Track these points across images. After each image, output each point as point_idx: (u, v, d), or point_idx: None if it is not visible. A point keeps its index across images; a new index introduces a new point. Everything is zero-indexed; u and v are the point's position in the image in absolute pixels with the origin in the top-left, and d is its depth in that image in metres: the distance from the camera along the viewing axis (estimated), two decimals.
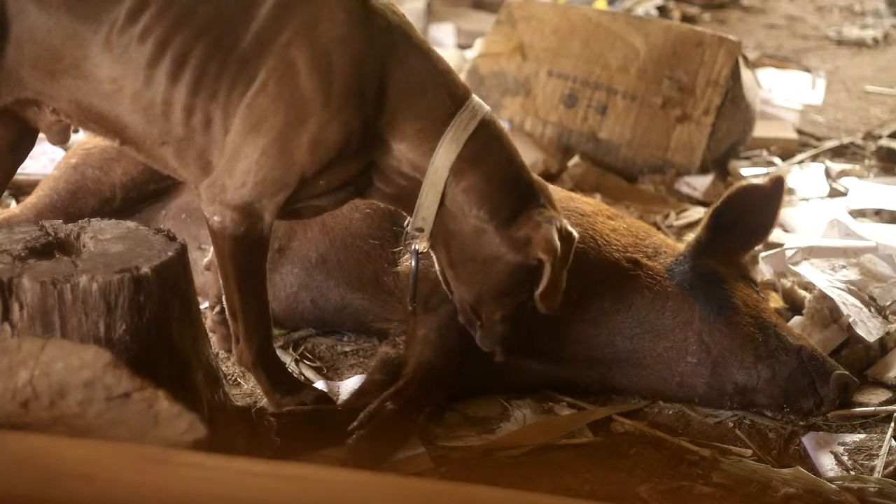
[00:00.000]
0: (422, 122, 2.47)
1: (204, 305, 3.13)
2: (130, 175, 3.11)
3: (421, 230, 2.52)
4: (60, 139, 2.64)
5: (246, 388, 2.86)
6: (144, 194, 3.15)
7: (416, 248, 2.59)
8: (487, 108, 2.53)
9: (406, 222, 2.59)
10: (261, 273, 2.57)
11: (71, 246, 2.20)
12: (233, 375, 2.90)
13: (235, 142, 2.45)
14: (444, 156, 2.45)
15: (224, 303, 2.60)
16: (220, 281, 2.58)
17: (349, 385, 2.84)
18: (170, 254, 2.13)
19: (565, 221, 2.50)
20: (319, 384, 2.84)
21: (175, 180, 3.16)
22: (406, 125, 2.47)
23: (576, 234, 2.52)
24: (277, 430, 2.39)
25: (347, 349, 3.07)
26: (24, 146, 2.73)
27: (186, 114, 2.46)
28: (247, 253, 2.52)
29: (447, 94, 2.49)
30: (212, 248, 3.09)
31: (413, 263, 2.64)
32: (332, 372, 2.95)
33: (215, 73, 2.44)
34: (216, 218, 2.49)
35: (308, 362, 2.99)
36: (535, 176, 2.56)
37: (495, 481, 2.41)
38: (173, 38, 2.44)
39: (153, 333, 2.09)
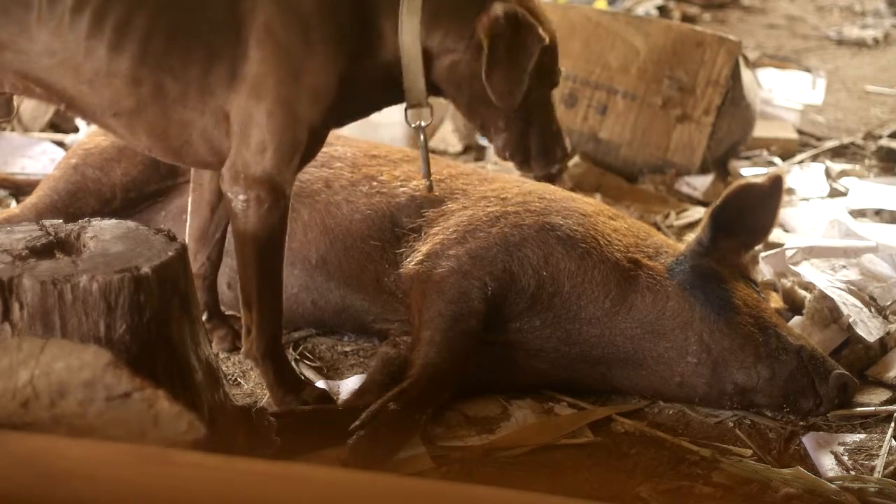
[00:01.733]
0: (380, 22, 2.55)
1: None
2: (130, 175, 3.11)
3: (418, 104, 2.60)
4: (4, 112, 2.66)
5: (246, 388, 2.86)
6: (145, 195, 3.15)
7: (420, 123, 2.64)
8: None
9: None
10: (280, 259, 2.61)
11: (71, 246, 2.20)
12: (233, 375, 2.90)
13: (241, 117, 2.48)
14: (409, 31, 2.54)
15: (238, 292, 2.63)
16: (238, 269, 2.61)
17: (349, 385, 2.84)
18: (170, 254, 2.13)
19: (524, 13, 2.57)
20: (319, 384, 2.84)
21: (175, 181, 3.17)
22: (375, 24, 2.55)
23: (541, 31, 2.59)
24: (277, 430, 2.39)
25: (348, 349, 3.07)
26: None
27: (134, 84, 2.47)
28: (270, 234, 2.55)
29: None
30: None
31: (420, 138, 2.68)
32: (332, 372, 2.95)
33: (165, 44, 2.45)
34: (241, 196, 2.52)
35: (308, 362, 2.99)
36: None
37: (495, 481, 2.41)
38: (111, 9, 2.44)
39: (153, 333, 2.09)
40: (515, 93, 2.58)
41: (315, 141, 2.58)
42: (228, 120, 2.52)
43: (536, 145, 2.70)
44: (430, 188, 2.76)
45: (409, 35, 2.55)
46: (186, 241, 2.78)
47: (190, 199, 2.86)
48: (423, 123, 2.63)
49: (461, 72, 2.60)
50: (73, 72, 2.48)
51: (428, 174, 2.73)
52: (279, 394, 2.64)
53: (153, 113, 2.51)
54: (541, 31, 2.59)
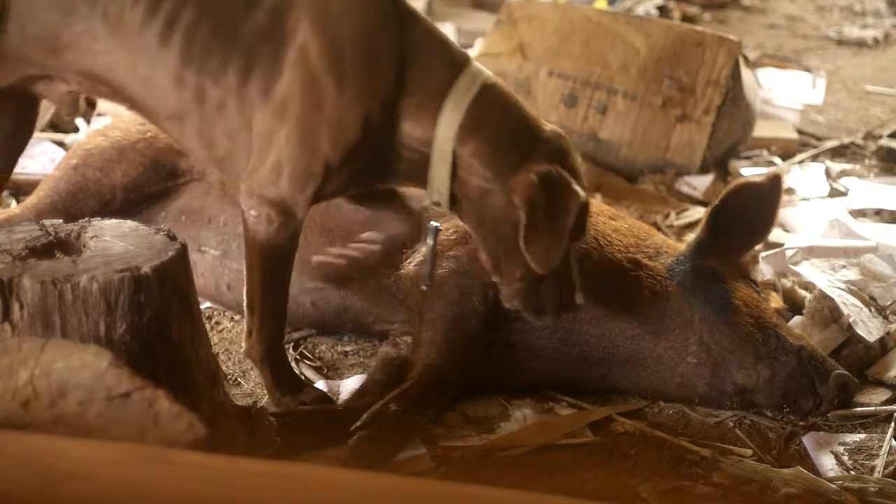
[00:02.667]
0: (420, 96, 2.46)
1: (204, 305, 3.13)
2: (131, 176, 3.11)
3: (438, 204, 2.51)
4: (71, 110, 2.64)
5: (246, 388, 2.86)
6: (145, 195, 3.15)
7: (433, 223, 2.58)
8: (488, 73, 2.51)
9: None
10: (287, 272, 2.60)
11: (71, 245, 2.20)
12: (233, 375, 2.90)
13: (263, 134, 2.46)
14: (447, 126, 2.43)
15: (243, 294, 2.62)
16: (245, 272, 2.59)
17: (349, 385, 2.84)
18: (170, 254, 2.13)
19: (560, 171, 2.41)
20: (319, 384, 2.84)
21: (176, 182, 3.17)
22: (407, 100, 2.46)
23: (577, 189, 2.41)
24: (277, 430, 2.39)
25: (348, 349, 3.07)
26: (23, 134, 2.74)
27: (178, 86, 2.45)
28: (277, 251, 2.54)
29: (445, 64, 2.48)
30: (212, 250, 3.09)
31: (430, 240, 2.62)
32: (332, 372, 2.95)
33: (205, 43, 2.42)
34: (253, 212, 2.50)
35: (308, 362, 2.99)
36: (547, 128, 2.51)
37: (495, 481, 2.41)
38: (161, 7, 2.42)
39: (153, 333, 2.09)
40: (555, 255, 2.41)
41: (331, 178, 2.48)
42: None
43: (550, 296, 2.51)
44: (427, 294, 2.65)
45: (445, 129, 2.42)
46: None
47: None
48: (437, 225, 2.52)
49: (489, 204, 2.45)
50: (130, 70, 2.47)
51: (431, 275, 2.63)
52: (276, 395, 2.64)
53: (198, 119, 2.49)
54: (577, 188, 2.43)
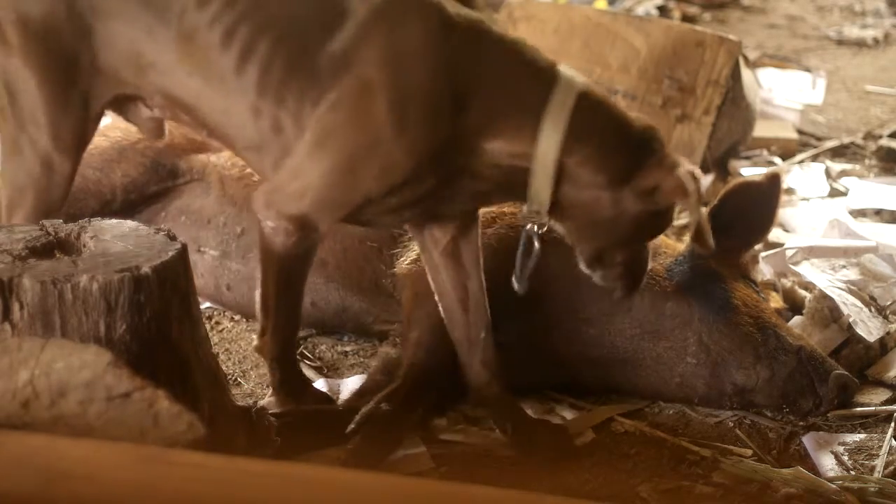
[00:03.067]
0: (515, 117, 2.41)
1: (204, 306, 3.13)
2: (131, 177, 3.11)
3: (537, 213, 2.47)
4: (156, 135, 2.62)
5: (246, 388, 2.86)
6: (145, 196, 3.15)
7: (535, 230, 2.52)
8: (581, 78, 2.48)
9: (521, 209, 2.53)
10: (302, 278, 2.56)
11: (71, 245, 2.20)
12: (233, 375, 2.90)
13: (301, 155, 2.39)
14: (550, 140, 2.39)
15: (256, 295, 2.59)
16: (260, 276, 2.56)
17: (350, 384, 2.84)
18: (170, 254, 2.13)
19: (684, 160, 2.47)
20: (320, 383, 2.84)
21: (175, 183, 3.17)
22: (498, 124, 2.40)
23: (697, 171, 2.46)
24: (277, 430, 2.39)
25: (348, 349, 3.07)
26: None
27: (255, 116, 2.41)
28: (293, 261, 2.50)
29: (535, 80, 2.43)
30: (211, 250, 3.09)
31: (522, 244, 2.53)
32: (332, 371, 2.95)
33: (282, 75, 2.37)
34: (269, 223, 2.45)
35: (308, 362, 2.99)
36: (640, 120, 2.51)
37: (495, 481, 2.41)
38: (239, 32, 2.37)
39: (153, 333, 2.09)
40: (711, 236, 2.48)
41: (370, 207, 2.46)
42: None
43: (638, 273, 2.58)
44: (521, 290, 2.58)
45: (548, 143, 2.38)
46: (459, 356, 2.66)
47: (442, 312, 2.67)
48: (537, 229, 2.51)
49: (599, 206, 2.44)
50: (209, 98, 2.43)
51: (523, 278, 2.57)
52: (281, 395, 2.63)
53: (277, 150, 2.43)
54: (693, 168, 2.47)
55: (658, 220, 2.50)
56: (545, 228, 2.50)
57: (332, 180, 2.39)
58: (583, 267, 2.56)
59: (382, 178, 2.39)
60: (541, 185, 2.42)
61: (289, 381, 2.64)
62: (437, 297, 2.65)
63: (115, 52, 2.45)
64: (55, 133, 2.47)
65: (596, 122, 2.44)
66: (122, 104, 2.56)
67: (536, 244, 2.52)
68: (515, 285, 2.57)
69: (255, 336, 2.66)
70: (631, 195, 2.42)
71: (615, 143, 2.44)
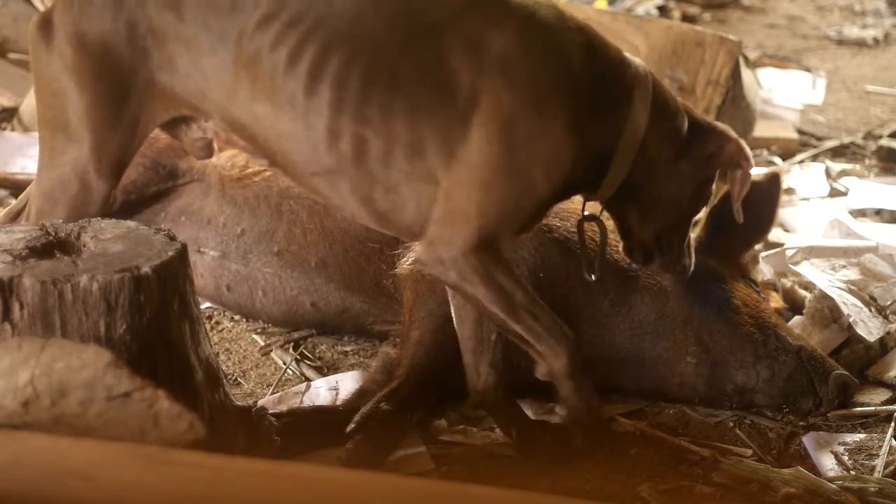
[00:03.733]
0: (608, 99, 2.44)
1: (204, 306, 3.13)
2: (131, 177, 3.11)
3: (602, 196, 2.53)
4: (204, 154, 2.56)
5: (246, 388, 2.86)
6: (145, 197, 3.15)
7: (594, 213, 2.60)
8: (637, 59, 2.53)
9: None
10: (524, 288, 2.43)
11: (71, 245, 2.20)
12: (233, 375, 2.91)
13: (452, 194, 2.33)
14: (639, 118, 2.45)
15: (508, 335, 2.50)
16: (494, 324, 2.49)
17: (347, 378, 2.84)
18: (170, 253, 2.13)
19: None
20: (319, 383, 2.84)
21: (175, 183, 3.17)
22: (596, 111, 2.42)
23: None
24: (277, 430, 2.39)
25: (348, 349, 3.07)
26: None
27: (332, 138, 2.32)
28: (499, 286, 2.39)
29: (616, 61, 2.47)
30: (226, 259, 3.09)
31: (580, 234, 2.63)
32: (332, 371, 2.95)
33: (362, 92, 2.29)
34: (452, 273, 2.37)
35: (308, 362, 2.99)
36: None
37: (495, 481, 2.41)
38: (306, 52, 2.30)
39: (153, 333, 2.09)
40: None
41: (539, 213, 2.45)
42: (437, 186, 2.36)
43: (690, 253, 2.67)
44: (596, 280, 2.64)
45: (636, 121, 2.45)
46: (463, 356, 2.63)
47: (452, 310, 2.64)
48: (595, 214, 2.58)
49: (668, 181, 2.53)
50: (274, 122, 2.34)
51: (593, 267, 2.62)
52: (581, 409, 2.52)
53: (355, 173, 2.34)
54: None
55: (707, 192, 2.61)
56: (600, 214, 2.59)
57: (503, 197, 2.34)
58: (638, 260, 2.64)
59: (553, 172, 2.37)
60: (620, 169, 2.47)
61: (585, 393, 2.51)
62: (449, 294, 2.62)
63: (174, 75, 2.38)
64: (99, 154, 2.41)
65: (665, 100, 2.52)
66: (175, 125, 2.50)
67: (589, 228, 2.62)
68: (589, 277, 2.62)
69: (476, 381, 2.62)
70: (693, 164, 2.52)
71: (679, 117, 2.53)
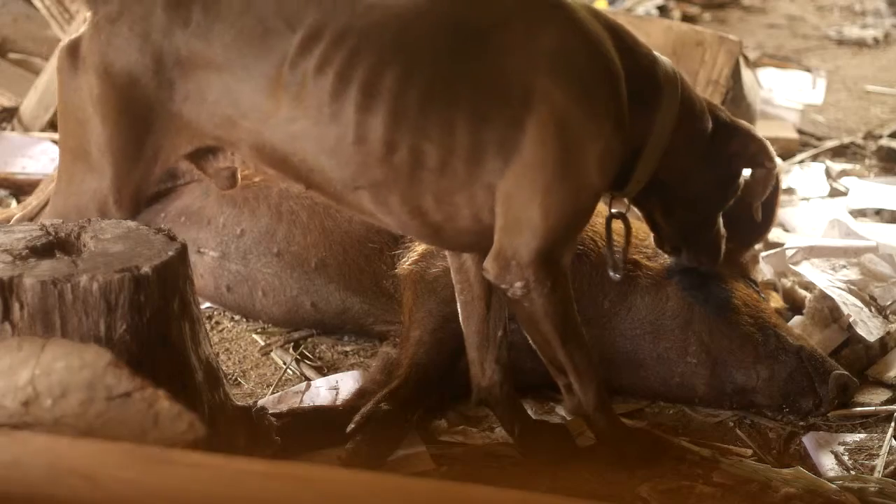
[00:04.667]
0: (640, 96, 2.44)
1: (204, 306, 3.13)
2: None
3: (628, 193, 2.56)
4: (229, 184, 2.53)
5: (246, 388, 2.86)
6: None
7: (621, 211, 2.63)
8: (666, 59, 2.55)
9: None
10: (576, 317, 2.45)
11: (71, 245, 2.20)
12: (233, 375, 2.91)
13: (512, 200, 2.32)
14: (668, 113, 2.48)
15: (544, 361, 2.50)
16: (536, 345, 2.47)
17: (347, 378, 2.84)
18: (170, 253, 2.13)
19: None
20: (319, 382, 2.84)
21: (175, 184, 3.16)
22: (631, 104, 2.43)
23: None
24: (277, 430, 2.39)
25: (348, 349, 3.07)
26: None
27: (387, 151, 2.30)
28: (559, 304, 2.39)
29: (647, 60, 2.50)
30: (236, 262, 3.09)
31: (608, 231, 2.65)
32: (332, 371, 2.95)
33: (418, 104, 2.28)
34: (518, 284, 2.35)
35: (308, 362, 2.99)
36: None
37: (495, 481, 2.41)
38: (357, 69, 2.28)
39: (153, 333, 2.09)
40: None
41: (592, 210, 2.46)
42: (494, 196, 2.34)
43: (718, 243, 2.74)
44: (620, 278, 2.67)
45: (665, 118, 2.47)
46: (467, 351, 2.62)
47: (459, 306, 2.63)
48: (623, 211, 2.62)
49: (697, 179, 2.58)
50: (314, 140, 2.31)
51: (617, 266, 2.63)
52: (620, 435, 2.53)
53: (405, 184, 2.32)
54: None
55: (733, 187, 2.65)
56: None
57: (562, 200, 2.33)
58: (667, 251, 2.71)
59: (607, 167, 2.38)
60: (648, 163, 2.49)
61: (612, 426, 2.53)
62: (457, 290, 2.61)
63: (201, 105, 2.35)
64: (119, 185, 2.40)
65: (692, 99, 2.55)
66: (198, 155, 2.46)
67: (612, 226, 2.65)
68: (614, 275, 2.64)
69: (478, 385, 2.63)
70: (717, 162, 2.57)
71: (705, 117, 2.57)
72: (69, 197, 2.45)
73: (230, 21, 2.33)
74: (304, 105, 2.30)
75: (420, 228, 2.40)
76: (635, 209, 2.72)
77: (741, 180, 2.68)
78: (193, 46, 2.33)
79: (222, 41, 2.32)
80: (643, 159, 2.49)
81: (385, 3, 2.34)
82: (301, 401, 2.76)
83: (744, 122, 2.66)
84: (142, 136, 2.38)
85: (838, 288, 3.15)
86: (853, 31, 6.68)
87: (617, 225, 2.88)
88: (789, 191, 4.22)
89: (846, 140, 4.86)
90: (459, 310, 2.63)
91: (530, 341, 2.48)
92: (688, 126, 2.53)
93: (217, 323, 3.15)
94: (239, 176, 2.56)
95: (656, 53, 2.53)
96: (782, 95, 5.39)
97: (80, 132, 2.40)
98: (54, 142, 4.24)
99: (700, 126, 2.55)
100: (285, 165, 2.38)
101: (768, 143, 2.61)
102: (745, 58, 4.57)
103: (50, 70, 4.31)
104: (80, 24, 2.46)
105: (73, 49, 2.40)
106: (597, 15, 2.47)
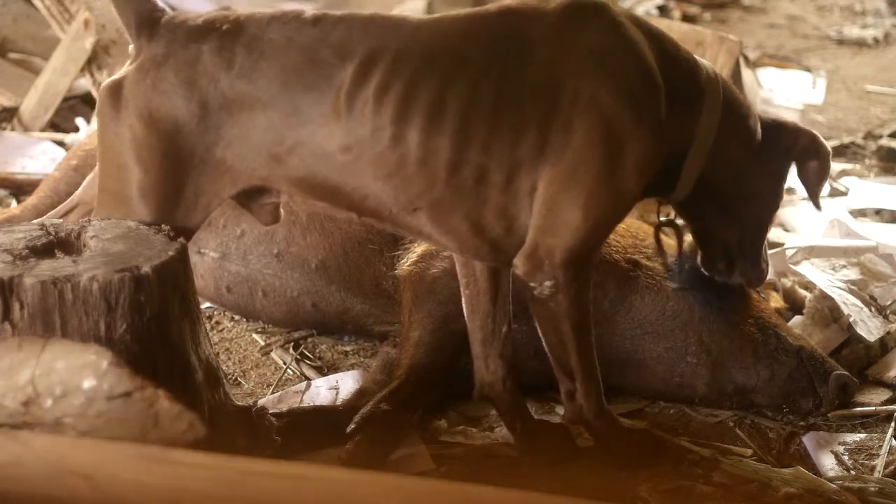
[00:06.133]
0: (682, 99, 2.45)
1: (204, 306, 3.13)
2: None
3: (674, 200, 2.57)
4: (271, 220, 2.49)
5: (246, 388, 2.86)
6: None
7: (670, 216, 2.68)
8: (707, 62, 2.55)
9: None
10: (591, 321, 2.46)
11: (71, 245, 2.20)
12: (233, 375, 2.91)
13: (552, 196, 2.32)
14: (711, 114, 2.48)
15: (553, 363, 2.49)
16: (549, 347, 2.47)
17: (347, 378, 2.84)
18: (170, 253, 2.13)
19: None
20: (319, 382, 2.84)
21: None
22: (673, 106, 2.43)
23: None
24: (277, 430, 2.39)
25: (348, 348, 3.07)
26: None
27: (450, 171, 2.30)
28: (582, 307, 2.41)
29: (686, 61, 2.49)
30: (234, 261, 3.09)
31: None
32: (332, 371, 2.95)
33: (482, 123, 2.29)
34: (547, 283, 2.36)
35: (308, 362, 2.99)
36: None
37: (495, 481, 2.41)
38: (419, 91, 2.28)
39: (154, 333, 2.09)
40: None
41: (626, 215, 2.49)
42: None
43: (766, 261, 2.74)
44: (680, 289, 2.75)
45: (709, 119, 2.48)
46: (472, 346, 2.61)
47: (464, 300, 2.60)
48: (672, 216, 2.67)
49: (744, 180, 2.58)
50: (371, 166, 2.29)
51: (675, 275, 2.72)
52: (621, 437, 2.54)
53: (469, 201, 2.32)
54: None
55: (783, 185, 2.67)
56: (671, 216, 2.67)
57: (598, 202, 2.34)
58: (719, 268, 2.69)
59: (644, 171, 2.38)
60: (693, 166, 2.50)
61: (613, 431, 2.53)
62: (462, 284, 2.60)
63: (245, 148, 2.31)
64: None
65: (737, 101, 2.56)
66: (242, 196, 2.43)
67: (663, 231, 2.71)
68: (673, 287, 2.73)
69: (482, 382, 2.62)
70: (769, 160, 2.59)
71: (751, 117, 2.58)
72: None
73: (274, 57, 2.29)
74: (361, 132, 2.28)
75: (480, 245, 2.40)
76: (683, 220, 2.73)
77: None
78: (239, 89, 2.30)
79: (267, 78, 2.29)
80: (688, 163, 2.49)
81: (428, 23, 2.36)
82: (301, 401, 2.76)
83: (789, 120, 2.68)
84: (184, 181, 2.33)
85: (838, 288, 3.15)
86: (853, 31, 6.69)
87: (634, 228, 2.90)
88: (789, 191, 4.22)
89: (846, 140, 4.86)
90: (464, 304, 2.61)
91: (543, 342, 2.48)
92: (733, 126, 2.53)
93: (217, 323, 3.15)
94: (282, 211, 2.51)
95: (697, 57, 2.53)
96: (782, 95, 5.39)
97: (120, 176, 2.34)
98: (54, 142, 4.24)
99: (746, 125, 2.56)
100: (337, 196, 2.36)
101: (818, 134, 2.64)
102: (745, 58, 4.57)
103: (50, 70, 4.32)
104: (123, 64, 2.39)
105: (116, 90, 2.34)
106: (637, 21, 2.46)
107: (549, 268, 2.36)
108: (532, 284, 2.38)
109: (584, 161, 2.31)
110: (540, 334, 2.47)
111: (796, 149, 2.62)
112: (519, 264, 2.38)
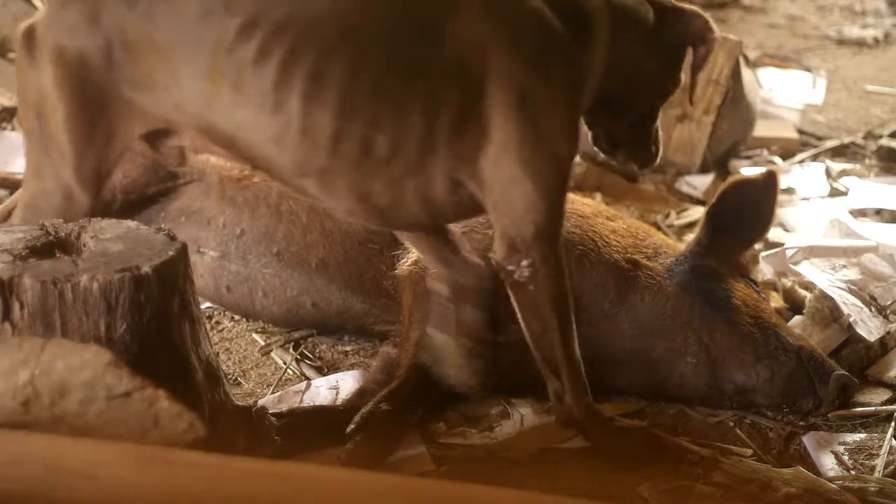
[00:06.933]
0: (579, 27, 2.47)
1: (204, 306, 3.13)
2: (131, 177, 3.11)
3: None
4: (178, 162, 2.58)
5: (246, 388, 2.86)
6: (144, 197, 3.15)
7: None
8: None
9: None
10: (571, 312, 2.48)
11: (71, 245, 2.20)
12: (233, 375, 2.91)
13: (500, 180, 2.35)
14: (600, 47, 2.50)
15: (538, 360, 2.51)
16: (533, 340, 2.49)
17: (347, 378, 2.84)
18: (170, 253, 2.13)
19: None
20: (319, 382, 2.84)
21: (175, 183, 3.17)
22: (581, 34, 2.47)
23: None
24: (277, 430, 2.39)
25: (348, 348, 3.07)
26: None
27: (333, 140, 2.30)
28: (561, 288, 2.43)
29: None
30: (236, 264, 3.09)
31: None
32: (332, 371, 2.95)
33: (368, 94, 2.28)
34: (524, 263, 2.39)
35: (308, 362, 2.99)
36: None
37: (495, 481, 2.41)
38: (300, 59, 2.26)
39: (153, 333, 2.09)
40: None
41: (570, 174, 2.49)
42: (456, 182, 2.37)
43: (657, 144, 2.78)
44: None
45: (600, 52, 2.49)
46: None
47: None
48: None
49: (645, 74, 2.63)
50: (260, 129, 2.31)
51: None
52: (610, 437, 2.55)
53: (353, 172, 2.33)
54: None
55: (677, 73, 2.67)
56: None
57: (539, 171, 2.36)
58: (604, 147, 2.73)
59: (570, 132, 2.43)
60: (593, 81, 2.51)
61: (604, 431, 2.55)
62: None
63: (152, 91, 2.36)
64: (78, 166, 2.41)
65: (624, 7, 2.56)
66: (151, 136, 2.47)
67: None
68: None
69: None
70: (664, 50, 2.61)
71: (641, 9, 2.59)
72: (36, 182, 2.46)
73: (173, 2, 2.32)
74: (244, 93, 2.30)
75: (366, 214, 2.44)
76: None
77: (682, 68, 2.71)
78: (140, 28, 2.33)
79: (166, 23, 2.32)
80: (588, 82, 2.50)
81: None
82: (301, 401, 2.76)
83: (690, 6, 2.67)
84: (95, 119, 2.39)
85: (838, 288, 3.15)
86: (853, 31, 6.69)
87: (612, 225, 2.90)
88: (789, 191, 4.22)
89: (846, 140, 4.87)
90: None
91: (528, 337, 2.49)
92: (626, 33, 2.55)
93: (217, 323, 3.15)
94: (187, 153, 2.59)
95: None
96: (782, 95, 5.39)
97: (40, 119, 2.42)
98: None
99: (637, 21, 2.57)
100: (232, 148, 2.41)
101: (711, 19, 2.63)
102: (745, 58, 4.57)
103: None
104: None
105: (30, 35, 2.41)
106: None
107: (523, 245, 2.40)
108: (510, 268, 2.41)
109: (510, 138, 2.34)
110: (524, 328, 2.49)
111: (688, 34, 2.63)
112: (496, 249, 2.43)
